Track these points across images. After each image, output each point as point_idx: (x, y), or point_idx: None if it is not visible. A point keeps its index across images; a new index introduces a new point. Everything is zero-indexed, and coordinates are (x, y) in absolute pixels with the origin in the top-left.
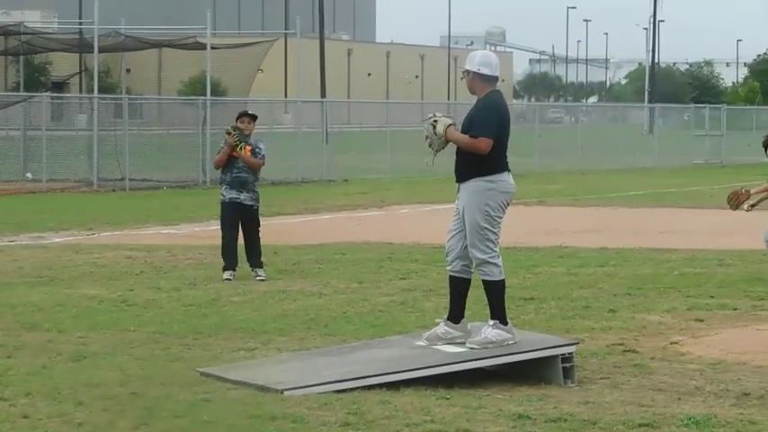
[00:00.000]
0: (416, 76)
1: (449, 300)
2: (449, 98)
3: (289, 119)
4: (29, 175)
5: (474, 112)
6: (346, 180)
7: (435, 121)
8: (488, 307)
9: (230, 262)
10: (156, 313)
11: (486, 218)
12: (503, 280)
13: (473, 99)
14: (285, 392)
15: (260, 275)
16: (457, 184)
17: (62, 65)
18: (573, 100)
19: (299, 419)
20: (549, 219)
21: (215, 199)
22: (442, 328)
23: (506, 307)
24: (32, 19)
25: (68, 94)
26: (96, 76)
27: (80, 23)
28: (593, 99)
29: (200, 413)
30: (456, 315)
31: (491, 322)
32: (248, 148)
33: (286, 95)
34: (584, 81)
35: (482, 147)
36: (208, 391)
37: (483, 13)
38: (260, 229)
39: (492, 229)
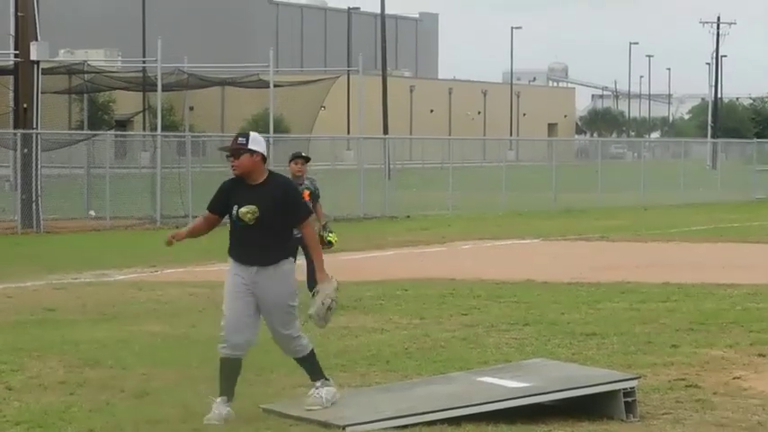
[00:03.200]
0: (479, 113)
1: (225, 380)
2: (511, 134)
3: (351, 155)
4: (92, 212)
5: (285, 198)
6: (408, 216)
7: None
8: (309, 374)
9: None
10: (218, 350)
11: (294, 297)
12: (311, 349)
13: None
14: (347, 428)
15: None
16: (254, 267)
17: (126, 103)
18: (635, 135)
19: None
20: (612, 254)
21: None
22: (225, 408)
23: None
24: (96, 58)
25: (132, 132)
26: (160, 113)
27: (143, 62)
28: (655, 134)
29: None
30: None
31: (318, 383)
32: (306, 192)
33: (348, 132)
34: (647, 116)
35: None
36: (270, 427)
37: (545, 49)
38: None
39: (296, 305)
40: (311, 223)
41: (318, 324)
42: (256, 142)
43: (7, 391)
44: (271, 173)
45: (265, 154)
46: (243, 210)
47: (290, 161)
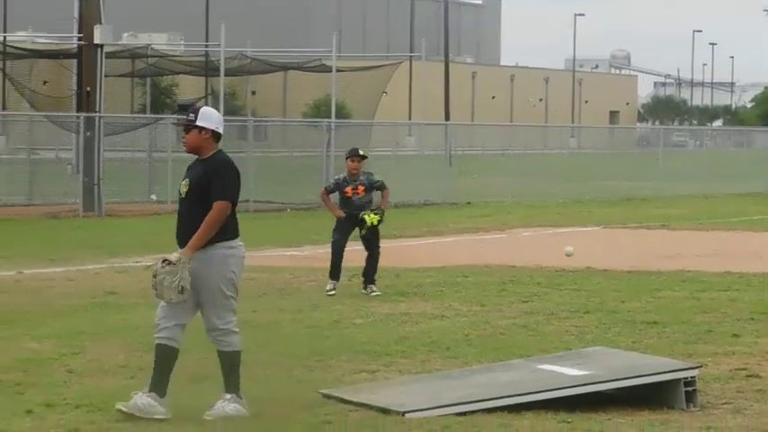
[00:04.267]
0: (540, 100)
1: (156, 370)
2: (572, 121)
3: (412, 141)
4: (154, 196)
5: (211, 174)
6: (469, 203)
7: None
8: (225, 382)
9: (334, 271)
10: (278, 335)
11: (231, 285)
12: (240, 351)
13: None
14: (406, 415)
15: (374, 291)
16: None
17: (188, 87)
18: (697, 123)
19: None
20: (673, 243)
21: None
22: (144, 399)
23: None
24: (159, 42)
25: None
26: (222, 98)
27: (206, 46)
28: (717, 123)
29: None
30: (164, 388)
31: (229, 396)
32: (361, 188)
33: (410, 118)
34: (709, 104)
35: (226, 211)
36: (329, 413)
37: (608, 36)
38: (380, 245)
39: (235, 296)
40: (220, 209)
41: (156, 296)
42: (205, 118)
43: (68, 374)
44: (219, 151)
45: (217, 129)
46: (183, 182)
47: (347, 158)
